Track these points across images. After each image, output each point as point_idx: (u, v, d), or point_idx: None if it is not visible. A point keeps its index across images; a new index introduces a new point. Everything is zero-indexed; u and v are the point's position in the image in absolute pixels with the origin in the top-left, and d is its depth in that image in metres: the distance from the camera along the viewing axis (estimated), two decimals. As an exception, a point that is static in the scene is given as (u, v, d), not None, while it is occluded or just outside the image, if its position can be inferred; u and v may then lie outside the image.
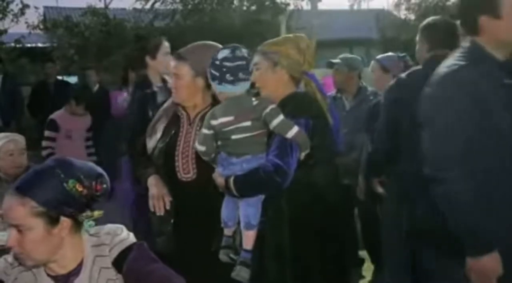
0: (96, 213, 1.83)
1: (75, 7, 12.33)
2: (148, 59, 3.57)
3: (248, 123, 2.25)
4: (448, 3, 14.05)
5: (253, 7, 11.21)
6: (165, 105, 2.76)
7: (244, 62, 2.30)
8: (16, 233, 1.60)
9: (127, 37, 9.84)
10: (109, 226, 1.77)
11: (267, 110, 2.24)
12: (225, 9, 10.77)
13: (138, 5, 11.09)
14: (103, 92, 7.31)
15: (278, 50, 2.41)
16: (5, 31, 10.02)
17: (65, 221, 1.64)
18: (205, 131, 2.34)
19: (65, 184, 1.62)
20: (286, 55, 2.40)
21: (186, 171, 2.54)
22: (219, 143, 2.32)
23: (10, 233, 1.60)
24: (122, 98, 6.41)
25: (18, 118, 7.32)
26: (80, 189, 1.64)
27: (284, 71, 2.40)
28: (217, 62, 2.28)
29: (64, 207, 1.63)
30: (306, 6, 12.72)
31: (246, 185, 2.26)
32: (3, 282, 1.70)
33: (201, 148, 2.36)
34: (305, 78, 2.44)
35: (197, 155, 2.48)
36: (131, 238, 1.75)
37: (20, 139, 3.47)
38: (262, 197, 2.32)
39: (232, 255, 2.36)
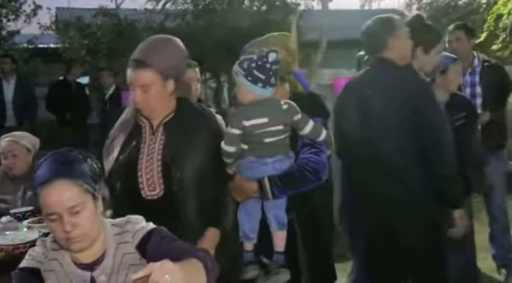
0: (108, 213, 1.87)
1: (86, 8, 12.38)
2: (419, 51, 3.16)
3: (280, 127, 2.25)
4: (460, 2, 13.96)
5: (264, 7, 11.20)
6: (122, 118, 2.42)
7: (279, 67, 2.28)
8: (69, 217, 1.64)
9: (139, 38, 9.88)
10: (129, 216, 1.84)
11: (299, 116, 2.27)
12: (236, 9, 10.76)
13: (149, 6, 11.14)
14: (119, 92, 7.38)
15: None
16: (18, 32, 10.11)
17: (98, 199, 1.74)
18: (234, 131, 2.25)
19: (88, 162, 1.72)
20: None
21: (151, 188, 2.23)
22: (245, 146, 2.27)
23: (64, 220, 1.64)
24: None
25: (32, 117, 7.38)
26: (95, 166, 1.75)
27: None
28: (268, 65, 2.22)
29: (95, 184, 1.72)
30: (316, 6, 12.69)
31: (289, 183, 2.27)
32: (38, 270, 1.73)
33: (229, 149, 2.27)
34: (291, 77, 2.45)
35: (164, 169, 2.24)
36: (151, 224, 1.82)
37: (23, 139, 3.41)
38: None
39: (265, 260, 2.32)
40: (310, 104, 2.40)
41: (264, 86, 2.23)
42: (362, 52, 4.53)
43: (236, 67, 2.28)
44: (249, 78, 2.23)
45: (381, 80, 2.78)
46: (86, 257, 1.73)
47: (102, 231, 1.75)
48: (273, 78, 2.24)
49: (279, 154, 2.27)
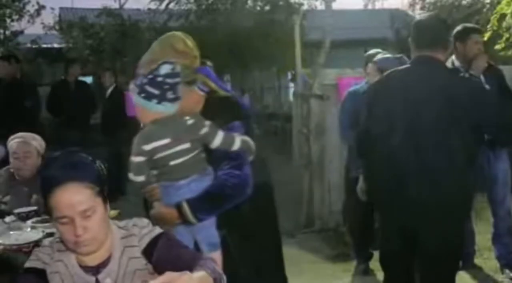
0: (112, 212, 1.86)
1: (90, 8, 12.40)
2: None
3: (187, 145, 2.08)
4: (464, 2, 13.93)
5: (267, 7, 11.20)
6: None
7: (179, 79, 2.07)
8: (81, 221, 1.62)
9: (142, 38, 9.90)
10: (136, 219, 1.83)
11: (206, 130, 2.11)
12: (239, 9, 10.77)
13: (153, 6, 11.16)
14: (118, 93, 7.38)
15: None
16: (22, 32, 10.14)
17: (107, 202, 1.73)
18: (136, 159, 2.07)
19: (97, 164, 1.71)
20: None
21: None
22: (154, 172, 2.11)
23: (76, 224, 1.62)
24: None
25: (35, 117, 7.38)
26: (103, 168, 1.72)
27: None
28: (159, 78, 2.02)
29: (104, 186, 1.70)
30: (320, 5, 12.69)
31: (212, 203, 2.12)
32: (44, 271, 1.71)
33: (138, 178, 2.09)
34: (199, 76, 2.24)
35: None
36: (158, 228, 1.80)
37: (33, 140, 3.41)
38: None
39: None
40: (223, 108, 2.24)
41: (159, 102, 2.02)
42: (371, 52, 4.51)
43: (131, 86, 2.11)
44: (142, 95, 2.03)
45: (432, 77, 2.71)
46: (92, 260, 1.72)
47: (109, 234, 1.73)
48: (169, 92, 2.03)
49: (194, 174, 2.10)
